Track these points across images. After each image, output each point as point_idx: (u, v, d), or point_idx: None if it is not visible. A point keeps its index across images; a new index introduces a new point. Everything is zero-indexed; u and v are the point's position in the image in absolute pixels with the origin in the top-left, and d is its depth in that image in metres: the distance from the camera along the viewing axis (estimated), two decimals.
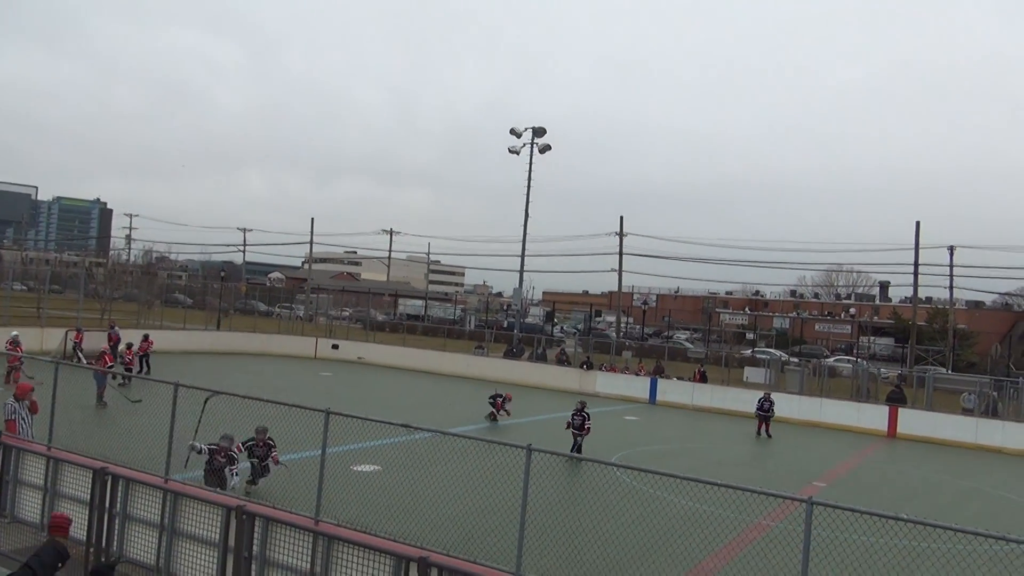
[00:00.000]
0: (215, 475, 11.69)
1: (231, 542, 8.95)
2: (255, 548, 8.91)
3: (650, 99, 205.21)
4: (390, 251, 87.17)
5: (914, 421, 29.42)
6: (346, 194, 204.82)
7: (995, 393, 32.47)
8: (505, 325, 61.84)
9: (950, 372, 46.14)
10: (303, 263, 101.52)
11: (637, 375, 35.43)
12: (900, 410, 30.09)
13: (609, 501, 14.25)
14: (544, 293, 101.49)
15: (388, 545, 8.35)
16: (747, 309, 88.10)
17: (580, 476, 15.31)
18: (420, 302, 74.71)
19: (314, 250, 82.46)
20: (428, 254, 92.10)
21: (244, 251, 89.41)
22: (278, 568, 8.89)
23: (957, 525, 7.34)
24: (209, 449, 11.86)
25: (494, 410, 25.09)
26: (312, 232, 77.62)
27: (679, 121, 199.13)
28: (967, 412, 30.92)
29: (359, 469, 15.41)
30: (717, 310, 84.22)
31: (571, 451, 18.61)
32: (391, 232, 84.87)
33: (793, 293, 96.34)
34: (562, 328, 69.37)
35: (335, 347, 42.22)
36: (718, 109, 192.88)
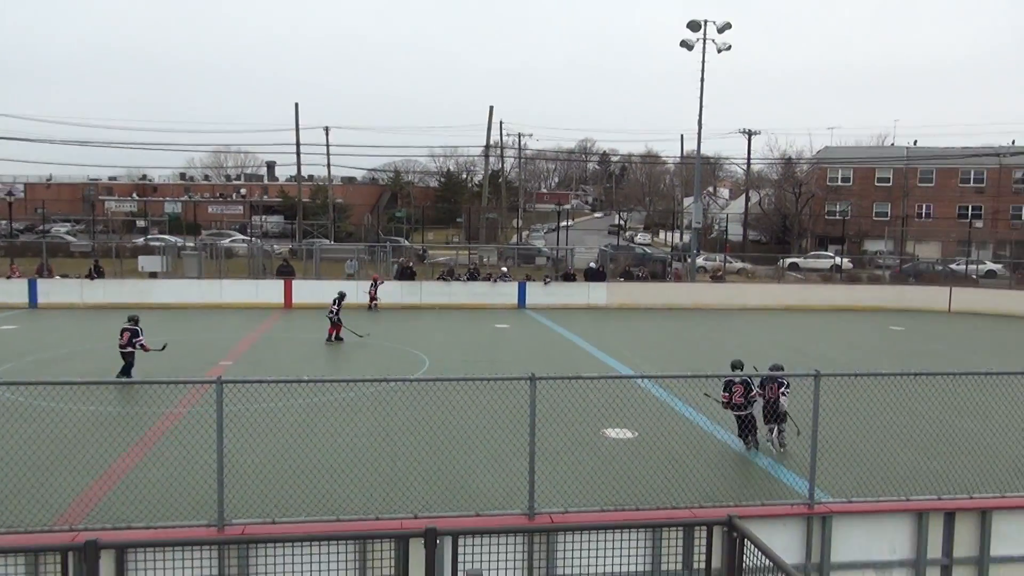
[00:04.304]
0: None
1: None
2: None
3: None
4: None
5: (306, 290, 31.99)
6: None
7: (368, 257, 37.22)
8: None
9: (333, 243, 51.08)
10: None
11: (9, 278, 30.80)
12: (293, 282, 32.39)
13: None
14: None
15: None
16: (135, 195, 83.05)
17: None
18: None
19: None
20: None
21: None
22: None
23: (343, 375, 8.46)
24: None
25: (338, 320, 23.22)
26: None
27: None
28: (350, 277, 34.78)
29: None
30: (101, 198, 77.44)
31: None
32: None
33: (183, 176, 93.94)
34: None
35: None
36: None
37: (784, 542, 8.41)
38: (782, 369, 12.27)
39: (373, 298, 30.59)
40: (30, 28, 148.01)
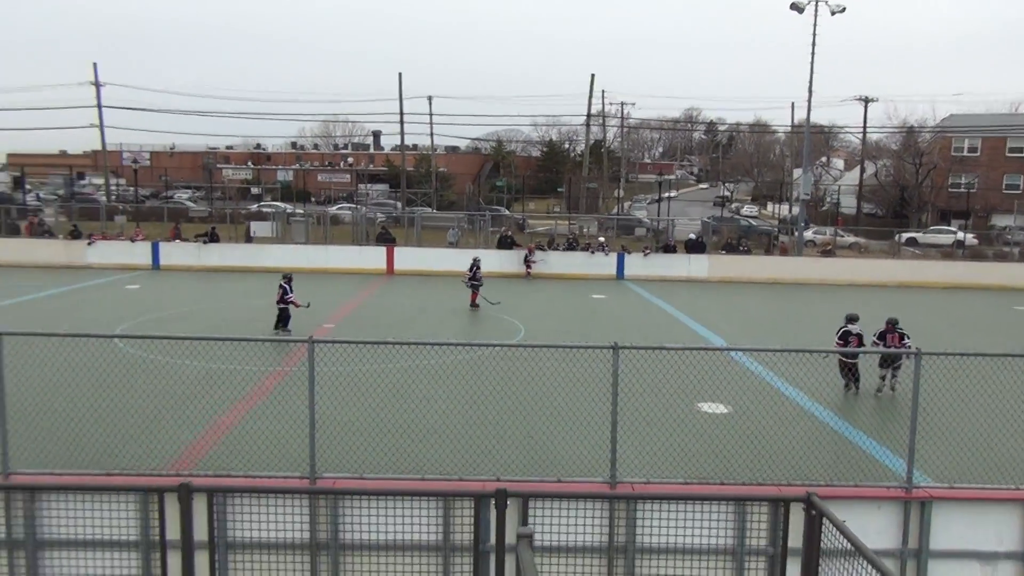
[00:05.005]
0: None
1: None
2: None
3: None
4: None
5: (407, 257, 32.83)
6: None
7: (469, 226, 37.65)
8: None
9: (435, 211, 51.88)
10: None
11: (134, 240, 32.82)
12: (395, 249, 33.18)
13: (113, 376, 13.32)
14: (9, 155, 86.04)
15: None
16: (250, 163, 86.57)
17: (72, 355, 13.90)
18: None
19: None
20: None
21: None
22: None
23: (438, 340, 8.64)
24: None
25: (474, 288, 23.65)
26: None
27: None
28: (452, 246, 35.36)
29: None
30: (219, 166, 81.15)
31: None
32: None
33: (294, 145, 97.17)
34: (38, 196, 60.22)
35: None
36: None
37: (880, 526, 8.10)
38: (897, 322, 14.37)
39: (529, 267, 31.77)
40: (160, 5, 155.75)
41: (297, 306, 18.46)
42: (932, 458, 9.53)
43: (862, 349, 13.83)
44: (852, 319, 14.62)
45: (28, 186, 58.29)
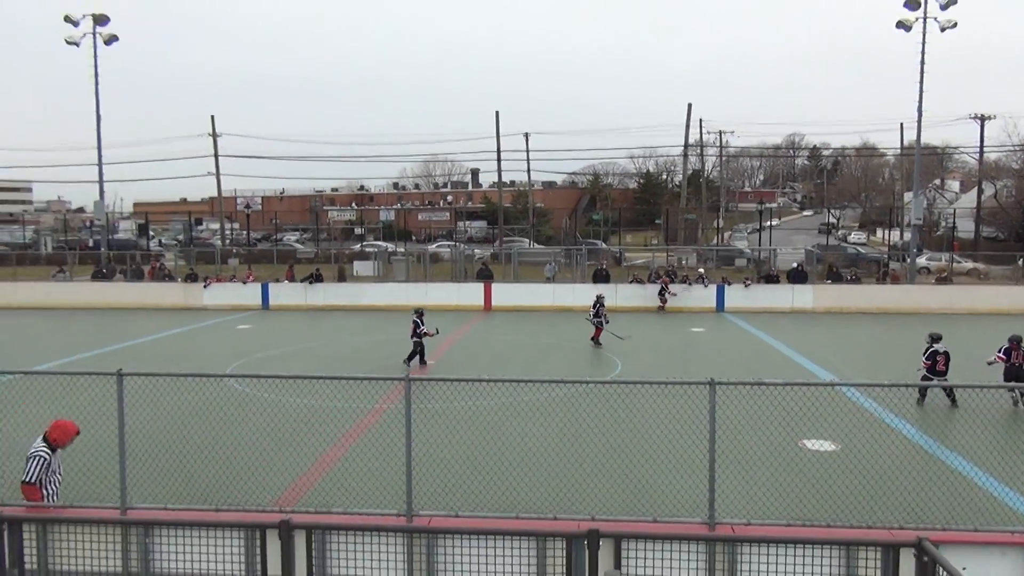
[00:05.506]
0: None
1: None
2: None
3: None
4: None
5: (505, 293, 33.10)
6: None
7: (565, 261, 37.70)
8: (91, 244, 55.41)
9: (532, 246, 52.22)
10: None
11: (245, 283, 34.43)
12: (492, 285, 33.54)
13: (225, 414, 13.93)
14: (135, 204, 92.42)
15: None
16: (354, 204, 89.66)
17: (187, 393, 14.62)
18: None
19: None
20: None
21: None
22: None
23: (537, 377, 8.66)
24: None
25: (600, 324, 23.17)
26: None
27: (267, 4, 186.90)
28: (549, 280, 35.47)
29: None
30: (325, 208, 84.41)
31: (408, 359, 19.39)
32: None
33: (396, 185, 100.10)
34: (160, 241, 64.16)
35: None
36: None
37: (1003, 575, 7.54)
38: (1021, 339, 14.79)
39: (664, 300, 31.47)
40: (273, 62, 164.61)
41: (429, 335, 19.25)
42: None
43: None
44: (936, 338, 15.21)
45: (152, 232, 62.17)
